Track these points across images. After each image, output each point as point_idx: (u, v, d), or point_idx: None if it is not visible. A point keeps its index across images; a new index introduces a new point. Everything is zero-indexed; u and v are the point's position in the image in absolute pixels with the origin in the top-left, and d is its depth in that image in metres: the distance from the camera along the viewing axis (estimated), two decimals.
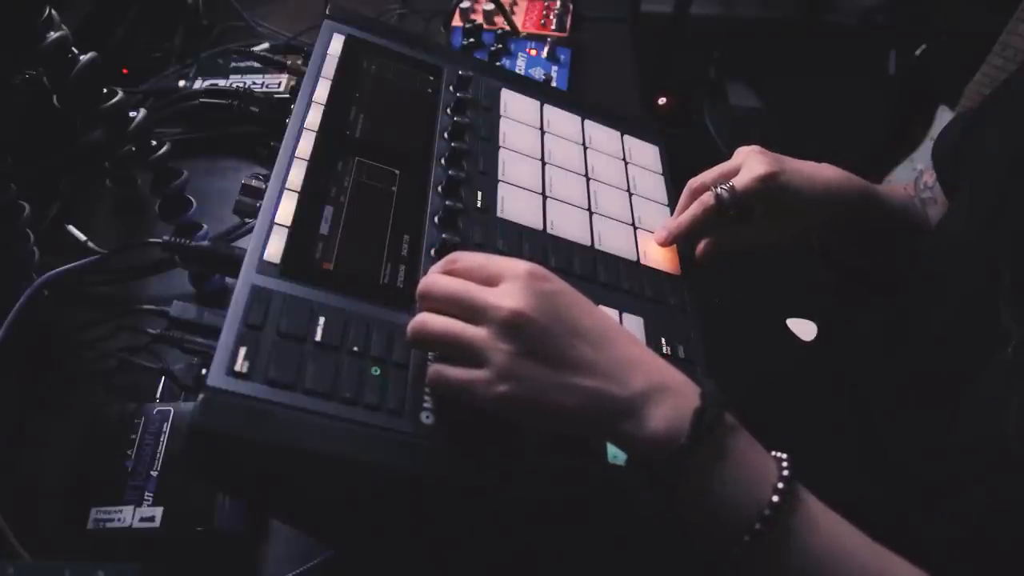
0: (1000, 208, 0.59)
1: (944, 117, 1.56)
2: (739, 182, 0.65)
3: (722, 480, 0.44)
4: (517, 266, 0.46)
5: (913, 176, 0.79)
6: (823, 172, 0.69)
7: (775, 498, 0.43)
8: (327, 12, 0.71)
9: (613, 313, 0.59)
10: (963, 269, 0.62)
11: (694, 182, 0.68)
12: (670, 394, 0.45)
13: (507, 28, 1.10)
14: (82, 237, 0.77)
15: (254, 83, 0.97)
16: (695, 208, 0.66)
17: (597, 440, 0.50)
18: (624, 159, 0.75)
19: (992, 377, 0.56)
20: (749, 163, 0.66)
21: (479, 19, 1.12)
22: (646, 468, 0.45)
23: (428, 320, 0.46)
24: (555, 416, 0.45)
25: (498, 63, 1.01)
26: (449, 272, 0.48)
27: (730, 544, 0.43)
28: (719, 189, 0.65)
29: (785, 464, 0.45)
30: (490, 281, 0.46)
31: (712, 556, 0.45)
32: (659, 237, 0.68)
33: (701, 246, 0.68)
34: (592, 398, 0.44)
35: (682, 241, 0.68)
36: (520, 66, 1.06)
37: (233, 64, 1.00)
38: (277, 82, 0.97)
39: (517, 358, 0.43)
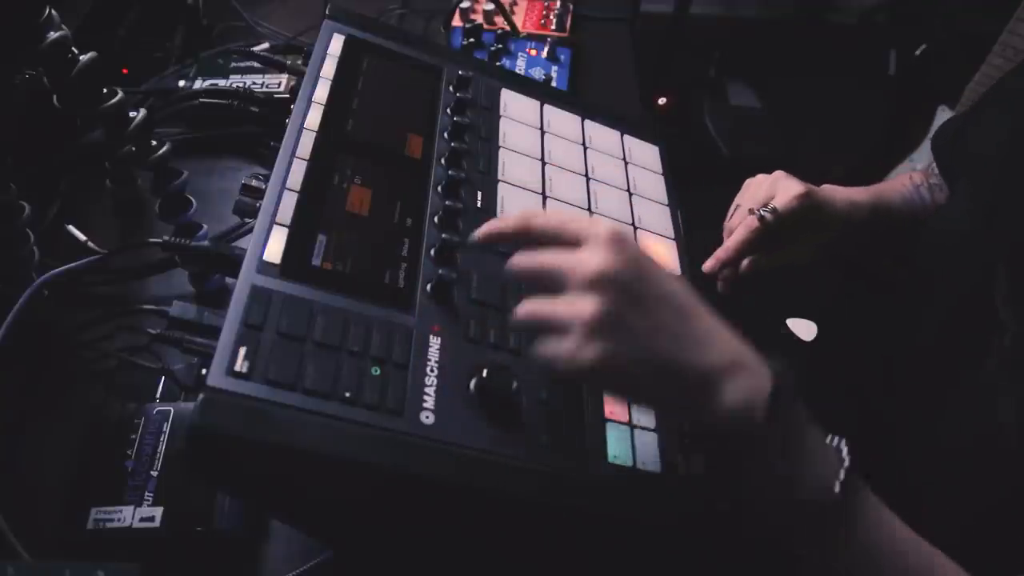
0: (996, 205, 0.59)
1: (944, 117, 1.56)
2: (780, 203, 0.69)
3: (790, 460, 0.44)
4: (598, 227, 0.45)
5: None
6: (838, 190, 0.74)
7: (836, 488, 0.44)
8: (327, 12, 0.71)
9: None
10: (961, 265, 0.62)
11: (729, 220, 0.74)
12: (746, 371, 0.45)
13: (507, 28, 1.10)
14: (82, 237, 0.77)
15: (254, 83, 0.97)
16: (741, 232, 0.70)
17: (668, 412, 0.49)
18: (624, 159, 0.75)
19: (990, 370, 0.56)
20: (782, 185, 0.70)
21: (479, 19, 1.12)
22: (716, 441, 0.46)
23: (525, 308, 0.45)
24: (635, 383, 0.45)
25: (498, 63, 1.01)
26: (523, 233, 0.47)
27: (799, 522, 0.44)
28: (761, 212, 0.69)
29: (844, 451, 0.46)
30: (572, 242, 0.46)
31: (767, 537, 0.46)
32: (708, 266, 0.71)
33: (743, 267, 0.72)
34: (670, 366, 0.44)
35: (728, 265, 0.72)
36: (520, 66, 1.06)
37: (233, 64, 1.00)
38: (277, 82, 0.97)
39: (605, 321, 0.42)
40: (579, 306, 0.43)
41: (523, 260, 0.47)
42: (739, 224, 0.72)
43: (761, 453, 0.45)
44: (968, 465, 0.57)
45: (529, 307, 0.46)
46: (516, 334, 0.53)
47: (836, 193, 0.73)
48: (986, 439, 0.55)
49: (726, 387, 0.44)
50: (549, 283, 0.45)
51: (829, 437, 0.47)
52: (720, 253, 0.71)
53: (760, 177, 0.72)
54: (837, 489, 0.44)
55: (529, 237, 0.47)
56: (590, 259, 0.44)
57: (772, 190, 0.71)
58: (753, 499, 0.46)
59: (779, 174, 0.71)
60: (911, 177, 0.79)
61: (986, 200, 0.61)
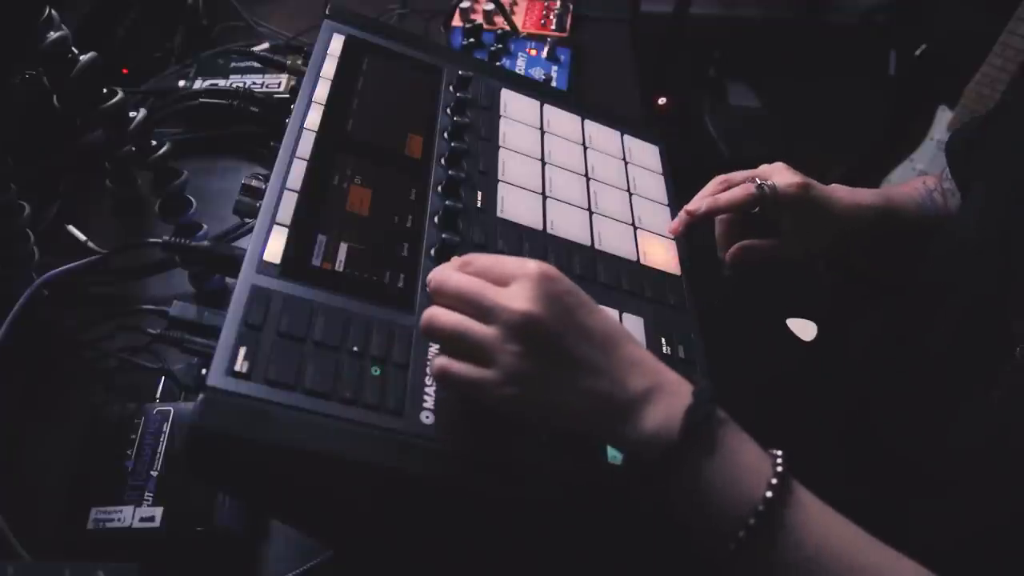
0: (1011, 213, 0.59)
1: (944, 117, 1.56)
2: (780, 182, 0.67)
3: (715, 477, 0.44)
4: (527, 266, 0.46)
5: (914, 174, 0.79)
6: (845, 191, 0.71)
7: (768, 493, 0.43)
8: (327, 12, 0.71)
9: (613, 314, 0.59)
10: (972, 272, 0.62)
11: (722, 176, 0.70)
12: (664, 393, 0.45)
13: (507, 28, 1.10)
14: (82, 237, 0.77)
15: (254, 83, 0.97)
16: (738, 191, 0.67)
17: (593, 439, 0.50)
18: (624, 159, 0.75)
19: (1001, 381, 0.56)
20: (782, 172, 0.69)
21: (479, 19, 1.12)
22: (639, 467, 0.45)
23: (439, 315, 0.46)
24: (557, 416, 0.46)
25: (498, 63, 1.01)
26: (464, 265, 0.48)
27: (725, 541, 0.43)
28: (760, 181, 0.67)
29: (779, 460, 0.45)
30: (501, 281, 0.47)
31: (708, 555, 0.45)
32: (692, 206, 0.69)
33: (731, 252, 0.70)
34: (594, 400, 0.45)
35: (704, 220, 0.69)
36: (520, 66, 1.06)
37: (233, 64, 1.00)
38: (277, 82, 0.97)
39: (524, 360, 0.44)
40: (506, 347, 0.44)
41: (458, 279, 0.47)
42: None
43: (686, 470, 0.44)
44: (973, 473, 0.57)
45: (454, 319, 0.46)
46: None
47: (841, 194, 0.71)
48: (995, 450, 0.55)
49: (646, 411, 0.45)
50: (478, 311, 0.45)
51: (764, 451, 0.46)
52: (710, 201, 0.68)
53: (762, 166, 0.71)
54: (769, 495, 0.43)
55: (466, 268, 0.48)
56: (517, 299, 0.44)
57: (771, 173, 0.69)
58: (683, 518, 0.46)
59: (780, 164, 0.70)
60: (924, 182, 0.78)
61: (1001, 208, 0.60)
